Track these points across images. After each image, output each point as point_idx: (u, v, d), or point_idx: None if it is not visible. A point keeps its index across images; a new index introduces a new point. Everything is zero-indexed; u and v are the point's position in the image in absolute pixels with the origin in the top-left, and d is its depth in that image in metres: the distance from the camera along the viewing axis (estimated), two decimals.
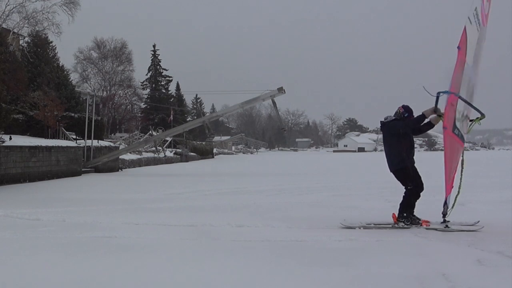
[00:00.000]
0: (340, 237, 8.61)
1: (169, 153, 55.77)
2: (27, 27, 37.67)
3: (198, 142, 74.55)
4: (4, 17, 35.37)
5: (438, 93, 8.99)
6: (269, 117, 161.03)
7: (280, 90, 31.96)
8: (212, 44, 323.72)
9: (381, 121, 10.37)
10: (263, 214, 12.11)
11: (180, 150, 60.62)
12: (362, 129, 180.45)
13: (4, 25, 34.25)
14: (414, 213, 9.87)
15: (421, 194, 9.92)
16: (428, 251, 7.52)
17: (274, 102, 34.35)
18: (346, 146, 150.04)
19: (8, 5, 35.76)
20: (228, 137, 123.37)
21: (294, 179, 26.99)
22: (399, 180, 10.20)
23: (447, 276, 5.86)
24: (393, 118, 10.02)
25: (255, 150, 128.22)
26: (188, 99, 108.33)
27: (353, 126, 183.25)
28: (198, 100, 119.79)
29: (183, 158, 58.26)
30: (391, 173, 10.23)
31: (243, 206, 14.18)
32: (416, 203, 9.93)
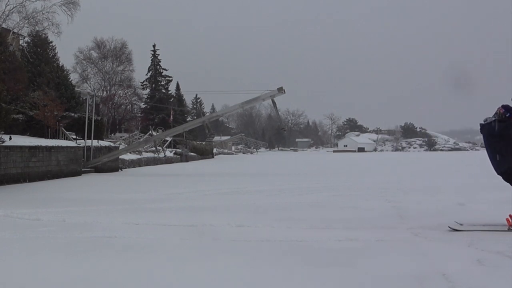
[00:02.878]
0: (340, 237, 8.67)
1: (169, 153, 55.82)
2: (27, 27, 37.68)
3: (198, 142, 74.63)
4: (4, 17, 35.36)
5: None
6: (269, 117, 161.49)
7: (280, 90, 32.24)
8: (212, 44, 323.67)
9: (480, 124, 9.96)
10: (263, 214, 12.17)
11: (180, 150, 60.71)
12: (362, 129, 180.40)
13: (4, 25, 34.29)
14: None
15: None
16: (428, 251, 7.55)
17: (274, 102, 34.76)
18: (346, 146, 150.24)
19: (8, 5, 35.76)
20: (228, 137, 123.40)
21: (294, 179, 27.00)
22: (508, 182, 9.72)
23: (447, 276, 5.91)
24: (493, 119, 9.52)
25: (255, 150, 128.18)
26: (188, 99, 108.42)
27: (353, 126, 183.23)
28: (198, 100, 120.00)
29: (183, 158, 58.30)
30: (499, 175, 9.81)
31: (243, 206, 14.20)
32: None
